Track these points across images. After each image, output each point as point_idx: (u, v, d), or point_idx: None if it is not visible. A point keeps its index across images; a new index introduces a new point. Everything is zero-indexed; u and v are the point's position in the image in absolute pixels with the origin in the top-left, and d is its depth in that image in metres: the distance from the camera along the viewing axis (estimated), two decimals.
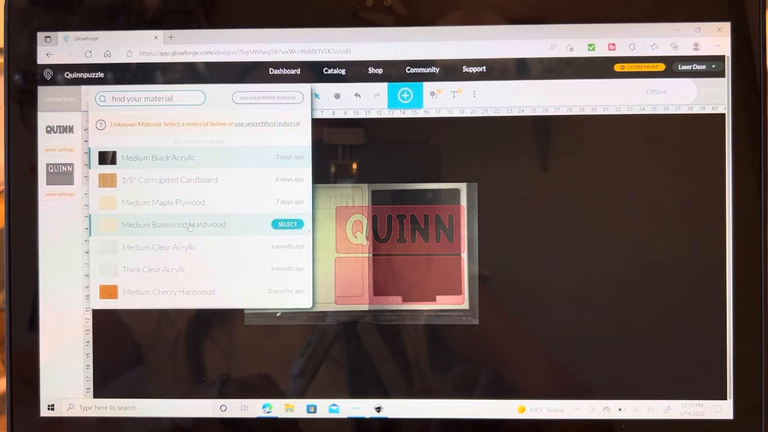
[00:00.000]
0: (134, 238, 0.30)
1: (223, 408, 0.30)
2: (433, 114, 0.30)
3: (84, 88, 0.30)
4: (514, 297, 0.30)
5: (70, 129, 0.30)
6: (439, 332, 0.30)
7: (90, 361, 0.30)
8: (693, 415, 0.30)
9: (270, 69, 0.30)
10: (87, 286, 0.30)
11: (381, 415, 0.30)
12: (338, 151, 0.30)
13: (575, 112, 0.30)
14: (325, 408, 0.30)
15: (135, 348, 0.30)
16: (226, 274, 0.30)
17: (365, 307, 0.30)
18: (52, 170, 0.30)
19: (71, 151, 0.30)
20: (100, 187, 0.30)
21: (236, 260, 0.30)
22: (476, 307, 0.30)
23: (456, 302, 0.30)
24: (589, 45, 0.30)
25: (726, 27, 0.29)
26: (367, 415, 0.30)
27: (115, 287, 0.30)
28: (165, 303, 0.30)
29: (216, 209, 0.30)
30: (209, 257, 0.30)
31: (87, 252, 0.30)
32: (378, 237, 0.30)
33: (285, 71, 0.30)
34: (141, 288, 0.30)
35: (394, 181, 0.30)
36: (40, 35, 0.30)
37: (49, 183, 0.30)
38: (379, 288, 0.30)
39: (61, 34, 0.30)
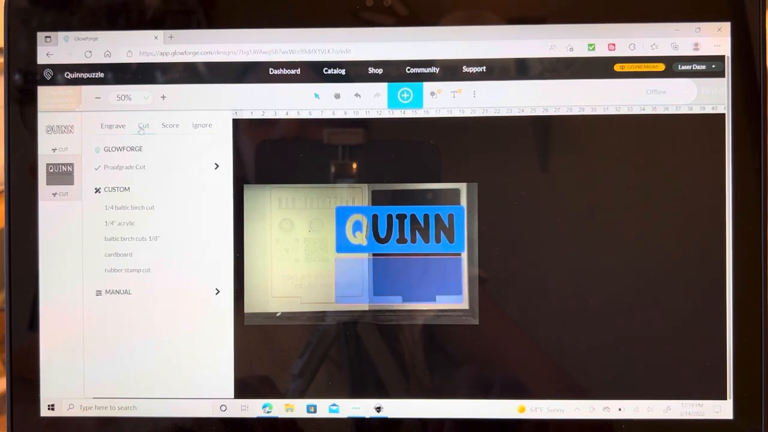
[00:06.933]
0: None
1: (223, 408, 0.30)
2: (433, 114, 0.30)
3: (84, 88, 0.30)
4: (514, 297, 0.30)
5: (70, 129, 0.30)
6: (439, 332, 0.30)
7: (90, 361, 0.30)
8: (693, 415, 0.30)
9: (270, 69, 0.30)
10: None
11: (381, 415, 0.30)
12: (338, 151, 0.30)
13: (575, 112, 0.30)
14: (325, 408, 0.30)
15: (135, 347, 0.30)
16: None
17: (365, 307, 0.30)
18: (52, 170, 0.30)
19: (71, 151, 0.30)
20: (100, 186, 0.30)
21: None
22: (476, 308, 0.30)
23: (456, 302, 0.30)
24: (589, 45, 0.30)
25: (726, 27, 0.29)
26: (367, 415, 0.30)
27: None
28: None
29: None
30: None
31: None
32: (378, 237, 0.30)
33: (285, 71, 0.30)
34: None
35: (394, 181, 0.30)
36: (40, 35, 0.30)
37: (49, 183, 0.30)
38: (379, 288, 0.30)
39: (61, 34, 0.30)
